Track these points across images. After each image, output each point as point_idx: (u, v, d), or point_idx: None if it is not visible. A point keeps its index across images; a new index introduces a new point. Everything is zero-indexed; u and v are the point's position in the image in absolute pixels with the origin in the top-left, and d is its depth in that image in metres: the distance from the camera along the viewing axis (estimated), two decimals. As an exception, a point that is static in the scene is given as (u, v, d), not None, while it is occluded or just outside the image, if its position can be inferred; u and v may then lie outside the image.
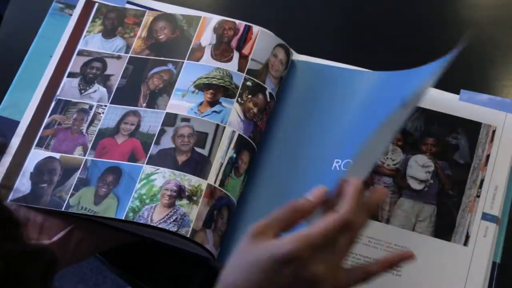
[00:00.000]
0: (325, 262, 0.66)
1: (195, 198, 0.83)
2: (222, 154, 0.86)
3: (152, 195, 0.83)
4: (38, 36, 0.97)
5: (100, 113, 0.91)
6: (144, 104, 0.91)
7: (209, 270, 0.85)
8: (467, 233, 0.86)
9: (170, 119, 0.89)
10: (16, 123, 0.91)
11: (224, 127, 0.87)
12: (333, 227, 0.66)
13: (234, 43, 0.93)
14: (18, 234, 0.63)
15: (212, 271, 0.85)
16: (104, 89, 0.93)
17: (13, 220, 0.63)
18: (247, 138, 0.88)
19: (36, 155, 0.89)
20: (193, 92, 0.90)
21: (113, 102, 0.92)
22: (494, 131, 0.91)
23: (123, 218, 0.82)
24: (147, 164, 0.86)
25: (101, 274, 1.65)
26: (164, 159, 0.86)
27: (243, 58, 0.92)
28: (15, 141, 0.89)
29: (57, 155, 0.89)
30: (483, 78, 0.98)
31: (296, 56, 0.95)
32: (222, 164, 0.85)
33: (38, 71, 0.94)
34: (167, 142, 0.87)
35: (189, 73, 0.92)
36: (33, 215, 0.83)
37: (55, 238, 0.81)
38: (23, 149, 0.89)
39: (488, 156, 0.89)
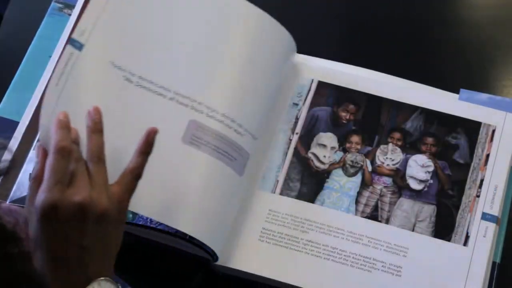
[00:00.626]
0: (82, 190, 0.68)
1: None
2: None
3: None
4: (37, 36, 0.97)
5: (99, 114, 0.91)
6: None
7: (208, 270, 0.85)
8: (467, 233, 0.86)
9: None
10: (15, 124, 0.91)
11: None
12: (53, 161, 0.68)
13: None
14: (11, 251, 0.63)
15: (211, 271, 0.85)
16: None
17: (5, 238, 0.63)
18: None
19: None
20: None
21: None
22: (494, 131, 0.90)
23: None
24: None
25: (101, 274, 1.65)
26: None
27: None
28: (15, 142, 0.89)
29: (56, 156, 0.88)
30: (483, 77, 0.98)
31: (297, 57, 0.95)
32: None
33: (37, 71, 0.94)
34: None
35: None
36: None
37: None
38: (23, 150, 0.89)
39: (487, 156, 0.89)
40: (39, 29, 0.98)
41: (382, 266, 0.84)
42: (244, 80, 0.87)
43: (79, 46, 0.78)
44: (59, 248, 0.67)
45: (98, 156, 0.71)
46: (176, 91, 0.82)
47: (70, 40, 0.78)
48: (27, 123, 0.90)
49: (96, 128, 0.72)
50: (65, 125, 0.71)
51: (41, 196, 0.67)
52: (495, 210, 0.86)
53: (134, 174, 0.72)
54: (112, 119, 0.74)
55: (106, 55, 0.80)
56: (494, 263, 0.84)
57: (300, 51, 0.94)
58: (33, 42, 0.97)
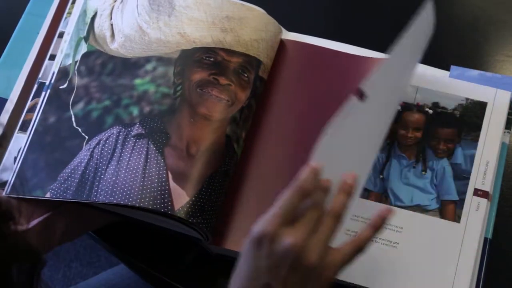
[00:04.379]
0: (300, 233, 0.67)
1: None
2: None
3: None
4: (26, 12, 0.97)
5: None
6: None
7: (201, 249, 0.84)
8: (459, 209, 0.86)
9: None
10: (3, 101, 0.90)
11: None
12: (287, 195, 0.68)
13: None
14: (6, 229, 0.62)
15: (203, 251, 0.84)
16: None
17: (2, 214, 0.62)
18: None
19: (19, 139, 0.87)
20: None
21: None
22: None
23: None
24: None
25: (95, 252, 1.66)
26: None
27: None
28: (3, 119, 0.88)
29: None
30: (476, 53, 0.97)
31: (286, 35, 0.94)
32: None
33: (26, 48, 0.93)
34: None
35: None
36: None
37: (34, 222, 0.79)
38: (9, 132, 0.87)
39: (479, 132, 0.89)
40: (27, 6, 0.97)
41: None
42: None
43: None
44: (249, 279, 0.68)
45: (338, 213, 0.70)
46: None
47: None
48: (15, 100, 0.89)
49: (347, 189, 0.71)
50: (314, 171, 0.70)
51: (259, 223, 0.68)
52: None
53: (358, 247, 0.71)
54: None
55: None
56: (485, 239, 0.85)
57: (290, 28, 0.94)
58: (21, 19, 0.96)
